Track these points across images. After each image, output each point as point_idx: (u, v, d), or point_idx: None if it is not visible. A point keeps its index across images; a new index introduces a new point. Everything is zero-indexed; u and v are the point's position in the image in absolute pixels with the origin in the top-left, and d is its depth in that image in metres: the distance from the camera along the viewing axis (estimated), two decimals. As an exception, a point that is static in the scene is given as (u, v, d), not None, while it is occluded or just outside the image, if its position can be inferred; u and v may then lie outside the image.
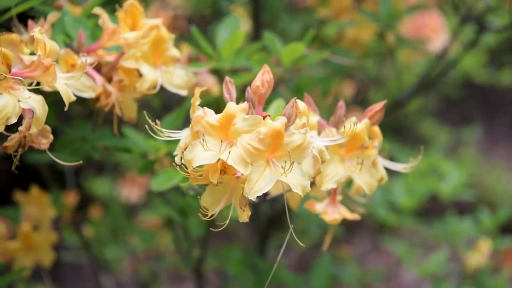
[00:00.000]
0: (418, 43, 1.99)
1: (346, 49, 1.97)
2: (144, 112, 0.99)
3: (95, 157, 1.24)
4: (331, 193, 1.05)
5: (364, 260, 3.11)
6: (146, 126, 0.96)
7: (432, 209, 2.56)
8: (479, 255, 2.15)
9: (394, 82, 2.72)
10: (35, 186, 1.61)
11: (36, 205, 1.59)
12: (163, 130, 0.95)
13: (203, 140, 0.87)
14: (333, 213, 1.04)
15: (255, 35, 1.86)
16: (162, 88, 1.15)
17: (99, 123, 1.25)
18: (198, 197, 0.94)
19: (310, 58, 1.35)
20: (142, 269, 2.63)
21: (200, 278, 1.81)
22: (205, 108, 0.91)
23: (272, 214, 2.17)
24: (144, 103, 1.69)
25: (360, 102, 2.48)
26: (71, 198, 1.98)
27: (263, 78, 0.96)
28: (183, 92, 1.17)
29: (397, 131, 3.33)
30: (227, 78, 0.98)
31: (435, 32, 2.11)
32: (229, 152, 0.85)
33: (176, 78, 1.15)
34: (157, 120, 0.96)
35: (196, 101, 0.92)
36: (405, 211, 2.11)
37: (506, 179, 3.96)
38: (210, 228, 1.48)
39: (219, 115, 0.89)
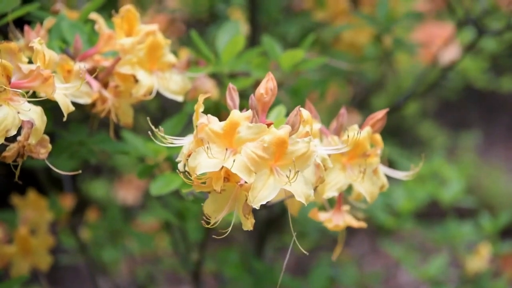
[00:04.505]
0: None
1: (343, 52, 1.97)
2: (147, 118, 0.98)
3: (92, 161, 1.24)
4: (336, 201, 1.05)
5: (363, 262, 3.11)
6: (149, 132, 0.96)
7: (431, 212, 2.56)
8: (479, 259, 2.14)
9: (392, 85, 2.72)
10: (32, 189, 1.60)
11: (33, 209, 1.59)
12: (166, 136, 0.95)
13: (207, 147, 0.86)
14: (337, 221, 1.04)
15: (253, 37, 1.86)
16: (159, 92, 1.14)
17: (95, 127, 1.24)
18: (198, 201, 0.94)
19: (309, 64, 1.34)
20: (140, 272, 2.63)
21: (198, 281, 1.81)
22: (209, 115, 0.90)
23: (269, 216, 2.16)
24: (141, 106, 1.68)
25: (357, 105, 2.48)
26: (68, 201, 1.98)
27: (267, 86, 0.95)
28: (179, 98, 1.16)
29: (396, 134, 3.33)
30: (230, 85, 0.97)
31: (446, 43, 2.11)
32: (234, 160, 0.84)
33: (172, 83, 1.15)
34: (160, 127, 0.95)
35: (199, 108, 0.92)
36: (404, 214, 2.10)
37: (505, 181, 3.96)
38: (209, 233, 1.48)
39: (223, 122, 0.88)
